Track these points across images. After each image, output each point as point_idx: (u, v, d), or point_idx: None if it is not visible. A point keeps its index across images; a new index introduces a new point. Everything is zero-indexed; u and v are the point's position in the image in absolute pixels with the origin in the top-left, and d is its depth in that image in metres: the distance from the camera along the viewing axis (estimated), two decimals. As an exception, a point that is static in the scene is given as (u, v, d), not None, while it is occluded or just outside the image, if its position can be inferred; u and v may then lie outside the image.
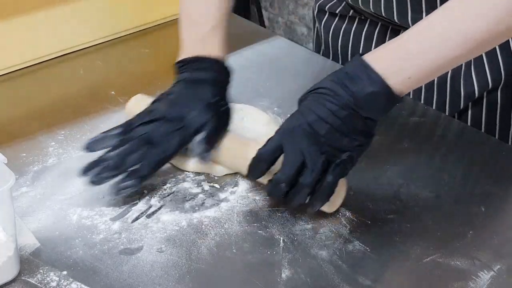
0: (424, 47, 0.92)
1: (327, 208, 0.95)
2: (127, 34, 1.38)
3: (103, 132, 1.01)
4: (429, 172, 1.05)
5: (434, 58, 0.92)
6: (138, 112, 1.03)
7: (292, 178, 0.92)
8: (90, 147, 1.00)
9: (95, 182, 0.97)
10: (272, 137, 0.94)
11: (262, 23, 2.92)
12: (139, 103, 1.07)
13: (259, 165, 0.95)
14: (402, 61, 0.92)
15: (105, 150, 0.99)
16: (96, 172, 0.96)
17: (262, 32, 1.52)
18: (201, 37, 1.08)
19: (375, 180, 1.03)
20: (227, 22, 1.11)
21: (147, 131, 0.99)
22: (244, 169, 0.98)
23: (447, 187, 1.02)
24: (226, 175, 1.03)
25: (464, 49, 0.92)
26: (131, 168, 0.97)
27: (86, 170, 0.97)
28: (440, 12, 0.93)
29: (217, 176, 1.02)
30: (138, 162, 0.97)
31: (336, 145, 0.92)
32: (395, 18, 1.18)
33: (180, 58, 1.07)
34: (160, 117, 1.00)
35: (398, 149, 1.08)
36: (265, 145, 0.94)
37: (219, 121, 1.02)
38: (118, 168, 0.97)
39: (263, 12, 3.01)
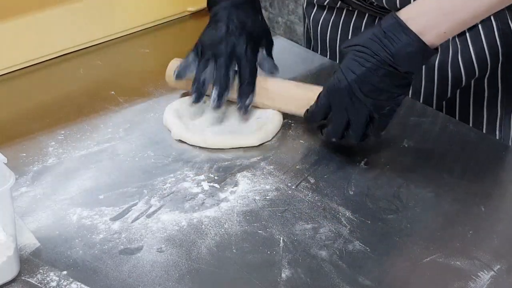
0: (456, 3, 0.97)
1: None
2: (127, 34, 1.38)
3: (181, 61, 1.13)
4: (429, 172, 1.05)
5: (467, 13, 0.98)
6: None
7: (341, 134, 1.03)
8: (180, 75, 1.12)
9: (217, 106, 1.10)
10: (319, 96, 1.04)
11: (262, 23, 2.92)
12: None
13: (312, 120, 1.08)
14: (437, 17, 0.98)
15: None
16: (214, 98, 1.09)
17: (262, 32, 1.52)
18: None
19: (375, 180, 1.03)
20: None
21: (223, 49, 1.11)
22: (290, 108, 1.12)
23: (447, 187, 1.02)
24: (226, 174, 1.03)
25: (493, 1, 0.97)
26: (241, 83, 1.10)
27: (197, 98, 1.11)
28: None
29: (217, 176, 1.02)
30: (236, 72, 1.11)
31: (376, 101, 0.99)
32: (384, 2, 1.18)
33: None
34: (228, 33, 1.11)
35: (398, 149, 1.08)
36: (314, 104, 1.05)
37: (270, 37, 1.17)
38: (223, 81, 1.10)
39: (263, 12, 3.00)
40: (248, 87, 1.11)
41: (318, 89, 1.06)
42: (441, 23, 0.97)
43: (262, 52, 1.14)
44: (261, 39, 1.14)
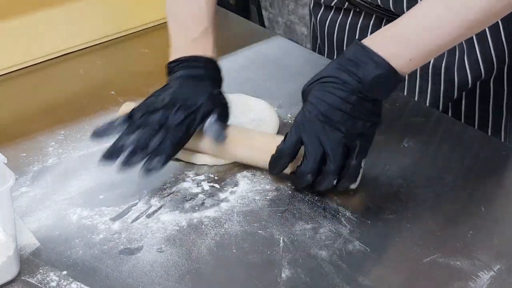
0: (421, 31, 0.95)
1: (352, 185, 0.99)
2: (127, 34, 1.38)
3: (107, 123, 1.01)
4: (429, 172, 1.05)
5: (432, 41, 0.95)
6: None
7: (316, 169, 0.95)
8: (97, 134, 1.01)
9: (128, 163, 0.97)
10: (289, 132, 0.97)
11: (262, 23, 2.92)
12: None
13: (281, 161, 0.98)
14: (402, 45, 0.95)
15: (115, 137, 0.99)
16: (126, 156, 0.97)
17: (262, 32, 1.52)
18: (191, 40, 1.09)
19: (375, 180, 1.03)
20: (215, 22, 1.11)
21: (157, 118, 1.00)
22: (255, 160, 1.02)
23: (447, 187, 1.02)
24: (226, 174, 1.03)
25: (461, 30, 0.95)
26: (155, 149, 0.98)
27: (108, 154, 0.98)
28: None
29: (217, 176, 1.02)
30: (159, 143, 0.99)
31: (351, 130, 0.95)
32: (391, 6, 1.18)
33: (172, 59, 1.07)
34: (167, 104, 1.01)
35: (398, 149, 1.08)
36: (284, 140, 0.98)
37: (223, 110, 1.05)
38: (143, 150, 0.98)
39: (263, 12, 3.00)
40: (160, 158, 0.98)
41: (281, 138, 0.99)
42: (405, 51, 0.95)
43: (210, 119, 1.02)
44: (210, 112, 1.02)
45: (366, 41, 0.96)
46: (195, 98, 1.01)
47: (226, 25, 1.44)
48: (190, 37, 1.09)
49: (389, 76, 0.95)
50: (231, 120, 1.06)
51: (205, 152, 1.04)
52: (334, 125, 0.94)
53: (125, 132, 0.99)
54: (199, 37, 1.09)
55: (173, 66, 1.07)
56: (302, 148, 0.96)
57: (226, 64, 1.26)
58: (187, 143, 1.02)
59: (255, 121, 1.12)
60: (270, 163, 0.99)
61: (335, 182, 0.97)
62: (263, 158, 1.00)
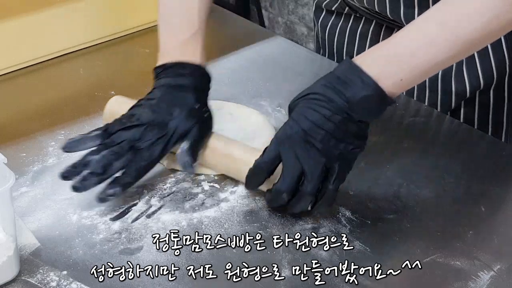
0: (414, 50, 0.92)
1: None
2: (127, 34, 1.38)
3: (82, 134, 0.99)
4: (429, 172, 1.05)
5: (425, 60, 0.92)
6: (117, 115, 1.02)
7: (293, 188, 0.92)
8: (69, 147, 0.98)
9: (79, 188, 0.95)
10: (268, 146, 0.94)
11: (262, 23, 2.92)
12: (119, 105, 1.06)
13: (258, 176, 0.95)
14: (393, 64, 0.92)
15: (84, 152, 0.97)
16: (80, 178, 0.95)
17: (262, 32, 1.52)
18: (181, 43, 1.06)
19: (375, 180, 1.03)
20: (205, 28, 1.09)
21: (130, 136, 0.97)
22: (233, 172, 1.00)
23: (447, 187, 1.02)
24: (226, 175, 1.03)
25: (455, 50, 0.92)
26: (115, 175, 0.95)
27: (68, 173, 0.95)
28: (431, 13, 0.93)
29: (217, 176, 1.02)
30: (121, 168, 0.96)
31: (332, 151, 0.91)
32: (388, 13, 1.18)
33: (159, 63, 1.05)
34: (143, 123, 0.98)
35: (398, 149, 1.08)
36: (262, 155, 0.94)
37: (202, 128, 1.01)
38: (102, 175, 0.95)
39: (263, 12, 3.01)
40: (116, 188, 0.95)
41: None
42: (397, 71, 0.91)
43: (182, 147, 0.99)
44: (186, 133, 0.99)
45: (357, 59, 0.93)
46: (173, 115, 0.98)
47: (226, 25, 1.44)
48: (179, 40, 1.07)
49: (377, 97, 0.91)
50: (223, 129, 1.05)
51: None
52: (315, 144, 0.91)
53: (91, 152, 0.96)
54: (189, 40, 1.06)
55: (159, 72, 1.04)
56: (280, 166, 0.93)
57: (226, 64, 1.26)
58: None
59: (249, 133, 1.09)
60: (247, 177, 0.96)
61: (309, 207, 0.93)
62: (241, 170, 0.98)
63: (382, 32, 1.26)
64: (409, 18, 1.13)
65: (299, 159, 0.91)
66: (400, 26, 1.17)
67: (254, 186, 0.97)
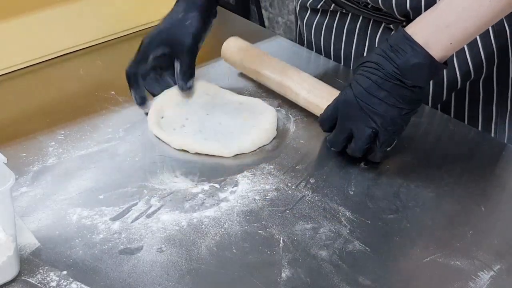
0: (460, 14, 0.97)
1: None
2: (127, 34, 1.38)
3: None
4: (429, 172, 1.05)
5: (471, 23, 0.97)
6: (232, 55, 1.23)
7: (341, 145, 1.03)
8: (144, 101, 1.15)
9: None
10: (329, 105, 1.04)
11: (262, 23, 2.92)
12: (235, 44, 1.24)
13: (323, 126, 1.06)
14: (442, 30, 0.97)
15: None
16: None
17: (262, 32, 1.52)
18: None
19: (375, 180, 1.03)
20: None
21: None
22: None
23: (447, 187, 1.02)
24: (226, 174, 1.03)
25: (498, 9, 0.96)
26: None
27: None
28: None
29: (217, 176, 1.02)
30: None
31: (382, 116, 0.98)
32: (380, 2, 1.18)
33: None
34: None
35: (398, 149, 1.08)
36: (323, 112, 1.05)
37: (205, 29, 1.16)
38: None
39: (263, 12, 3.01)
40: (187, 71, 1.14)
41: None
42: (445, 35, 0.97)
43: (176, 67, 1.16)
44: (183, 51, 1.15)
45: (408, 29, 0.98)
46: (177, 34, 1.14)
47: (226, 25, 1.44)
48: None
49: (426, 64, 0.97)
50: (225, 119, 1.12)
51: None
52: (365, 110, 0.98)
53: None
54: None
55: None
56: None
57: (226, 64, 1.26)
58: None
59: (251, 117, 1.13)
60: (319, 123, 1.07)
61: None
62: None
63: (370, 27, 1.26)
64: (402, 5, 1.15)
65: (349, 122, 1.00)
66: (388, 19, 1.19)
67: (326, 130, 1.07)
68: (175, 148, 1.07)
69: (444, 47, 0.97)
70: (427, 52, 0.96)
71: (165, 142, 1.08)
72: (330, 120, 1.04)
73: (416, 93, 0.99)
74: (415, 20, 1.00)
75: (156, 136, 1.10)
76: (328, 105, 1.04)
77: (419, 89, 0.99)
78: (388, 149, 1.03)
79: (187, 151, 1.07)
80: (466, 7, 0.96)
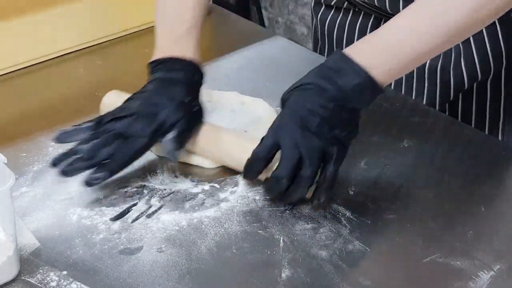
0: (400, 40, 0.96)
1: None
2: (127, 34, 1.38)
3: (74, 125, 1.01)
4: (429, 172, 1.05)
5: (411, 50, 0.95)
6: (113, 107, 1.03)
7: (292, 173, 0.93)
8: (61, 138, 1.00)
9: (67, 172, 0.96)
10: (266, 135, 0.96)
11: (262, 23, 2.92)
12: (115, 99, 1.08)
13: (256, 164, 0.97)
14: (381, 54, 0.95)
15: (76, 142, 0.99)
16: (68, 162, 0.96)
17: (262, 32, 1.52)
18: (175, 38, 1.08)
19: (375, 180, 1.03)
20: (203, 23, 1.11)
21: (120, 126, 0.99)
22: (227, 160, 1.02)
23: (447, 187, 1.02)
24: (226, 174, 1.03)
25: (441, 40, 0.95)
26: (103, 162, 0.97)
27: (57, 161, 0.97)
28: (419, 2, 0.96)
29: (217, 176, 1.02)
30: (109, 156, 0.97)
31: (328, 136, 0.94)
32: (387, 7, 1.18)
33: (153, 58, 1.07)
34: (133, 113, 1.00)
35: (398, 149, 1.08)
36: (260, 144, 0.97)
37: (191, 121, 1.03)
38: (90, 160, 0.97)
39: (263, 12, 3.00)
40: (110, 165, 0.98)
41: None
42: (385, 61, 0.95)
43: (169, 135, 1.00)
44: (174, 124, 1.00)
45: (347, 50, 0.96)
46: (162, 107, 1.00)
47: (226, 25, 1.45)
48: (173, 36, 1.09)
49: (368, 85, 0.95)
50: (226, 120, 1.08)
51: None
52: (312, 130, 0.94)
53: (81, 141, 0.98)
54: (183, 35, 1.08)
55: (153, 67, 1.06)
56: (278, 153, 0.95)
57: (226, 64, 1.26)
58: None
59: (253, 122, 1.11)
60: (245, 167, 0.98)
61: (310, 194, 0.95)
62: (236, 157, 1.00)
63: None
64: None
65: (297, 145, 0.94)
66: None
67: (253, 176, 0.98)
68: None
69: (384, 72, 0.95)
70: (368, 73, 0.94)
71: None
72: (268, 150, 0.95)
73: (354, 115, 0.96)
74: (354, 44, 0.99)
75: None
76: (264, 136, 0.97)
77: (357, 111, 0.96)
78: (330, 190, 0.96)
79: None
80: (406, 37, 0.95)
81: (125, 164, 0.99)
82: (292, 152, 0.94)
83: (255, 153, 0.96)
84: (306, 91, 0.96)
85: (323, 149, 0.94)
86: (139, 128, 0.98)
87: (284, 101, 0.98)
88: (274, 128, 0.96)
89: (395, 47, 0.95)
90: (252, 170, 0.97)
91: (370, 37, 0.98)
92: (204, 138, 1.04)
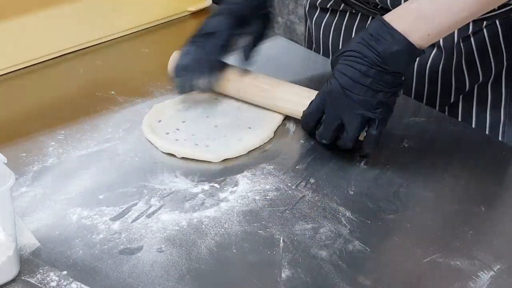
0: (439, 7, 1.00)
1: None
2: (127, 34, 1.38)
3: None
4: (429, 172, 1.05)
5: (449, 16, 1.00)
6: None
7: (332, 137, 1.04)
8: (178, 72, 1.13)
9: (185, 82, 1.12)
10: (313, 99, 1.05)
11: (262, 23, 2.92)
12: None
13: (307, 123, 1.08)
14: (421, 20, 1.00)
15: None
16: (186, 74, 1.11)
17: (262, 32, 1.52)
18: None
19: (375, 180, 1.03)
20: None
21: (204, 27, 1.14)
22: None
23: (447, 187, 1.02)
24: (226, 174, 1.03)
25: (476, 6, 0.99)
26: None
27: (177, 75, 1.12)
28: None
29: (217, 176, 1.02)
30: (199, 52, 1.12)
31: (370, 101, 1.00)
32: (389, 3, 1.18)
33: None
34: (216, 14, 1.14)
35: (398, 149, 1.08)
36: (308, 107, 1.06)
37: (265, 24, 1.17)
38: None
39: (263, 12, 3.00)
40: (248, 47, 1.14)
41: (315, 92, 1.07)
42: (423, 26, 1.00)
43: (245, 41, 1.16)
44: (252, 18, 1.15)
45: (387, 17, 1.01)
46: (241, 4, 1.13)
47: (226, 25, 1.44)
48: None
49: (407, 50, 0.99)
50: (231, 116, 1.11)
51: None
52: (353, 98, 1.00)
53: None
54: None
55: None
56: None
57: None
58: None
59: (257, 119, 1.13)
60: (301, 123, 1.09)
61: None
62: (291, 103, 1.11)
63: None
64: None
65: (338, 112, 1.01)
66: None
67: (309, 130, 1.09)
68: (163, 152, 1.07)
69: (422, 37, 1.00)
70: (406, 39, 0.99)
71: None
72: (316, 114, 1.05)
73: (397, 78, 1.01)
74: (394, 10, 1.02)
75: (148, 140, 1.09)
76: (312, 100, 1.05)
77: (399, 74, 1.01)
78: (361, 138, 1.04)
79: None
80: (444, 2, 0.99)
81: (214, 60, 1.12)
82: (332, 118, 1.03)
83: (304, 114, 1.07)
84: (349, 59, 1.01)
85: (365, 116, 1.00)
86: (219, 23, 1.12)
87: (332, 66, 1.05)
88: (320, 94, 1.04)
89: (434, 13, 0.99)
90: (306, 126, 1.08)
91: (409, 3, 1.01)
92: (263, 77, 1.15)
